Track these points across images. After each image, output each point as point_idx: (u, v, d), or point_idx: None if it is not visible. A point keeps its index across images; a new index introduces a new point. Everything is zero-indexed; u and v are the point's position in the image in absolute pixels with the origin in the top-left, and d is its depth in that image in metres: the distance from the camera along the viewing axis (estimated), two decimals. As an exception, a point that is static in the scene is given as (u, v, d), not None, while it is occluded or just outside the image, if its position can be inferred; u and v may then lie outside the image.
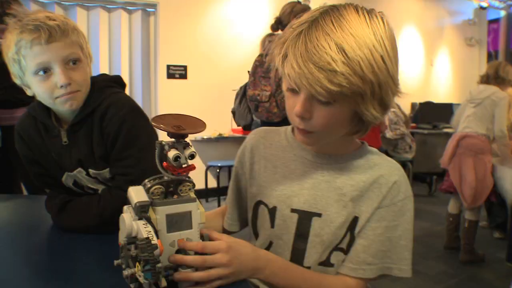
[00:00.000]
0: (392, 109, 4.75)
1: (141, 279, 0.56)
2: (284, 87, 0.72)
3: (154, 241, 0.57)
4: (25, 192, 2.51)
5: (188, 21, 4.42)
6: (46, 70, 0.89)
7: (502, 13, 7.26)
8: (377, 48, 0.63)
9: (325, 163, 0.78)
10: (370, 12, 0.67)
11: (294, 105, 0.69)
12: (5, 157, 2.30)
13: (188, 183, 0.64)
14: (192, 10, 4.45)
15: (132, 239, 0.59)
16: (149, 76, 4.59)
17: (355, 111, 0.67)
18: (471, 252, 2.75)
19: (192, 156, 0.62)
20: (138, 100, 4.44)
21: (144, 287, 0.58)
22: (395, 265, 0.75)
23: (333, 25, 0.63)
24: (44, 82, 0.90)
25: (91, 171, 0.99)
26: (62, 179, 1.02)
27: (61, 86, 0.90)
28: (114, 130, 0.94)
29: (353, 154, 0.79)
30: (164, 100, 4.35)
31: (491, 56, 7.15)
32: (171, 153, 0.60)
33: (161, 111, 4.13)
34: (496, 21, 7.32)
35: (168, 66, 4.37)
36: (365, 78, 0.62)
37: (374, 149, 0.82)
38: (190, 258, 0.62)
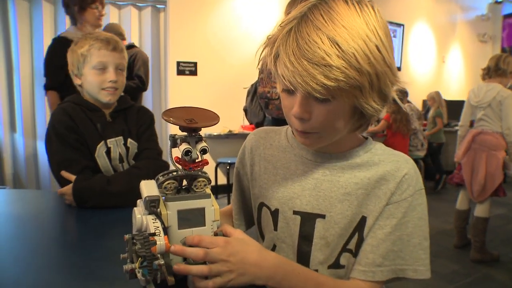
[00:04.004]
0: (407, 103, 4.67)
1: (139, 275, 0.55)
2: (278, 88, 0.70)
3: (160, 237, 0.56)
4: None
5: (198, 18, 4.42)
6: (103, 68, 1.28)
7: (517, 8, 7.11)
8: (371, 38, 0.61)
9: (326, 162, 0.74)
10: (359, 2, 0.64)
11: (291, 107, 0.66)
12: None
13: (203, 179, 0.62)
14: (202, 6, 4.44)
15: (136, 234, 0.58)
16: (159, 73, 4.60)
17: (355, 106, 0.64)
18: (482, 250, 2.70)
19: (204, 151, 0.60)
20: (149, 96, 4.45)
21: (141, 283, 0.56)
22: (409, 266, 0.70)
23: (323, 18, 0.60)
24: (98, 75, 1.28)
25: (129, 140, 1.34)
26: (97, 146, 1.26)
27: (110, 81, 1.28)
28: (148, 121, 1.40)
29: (356, 151, 0.74)
30: (174, 96, 4.35)
31: (506, 52, 7.02)
32: (182, 147, 0.59)
33: (170, 108, 4.10)
34: (511, 15, 7.18)
35: (178, 63, 4.37)
36: (361, 70, 0.59)
37: (379, 144, 0.77)
38: (190, 250, 0.59)
